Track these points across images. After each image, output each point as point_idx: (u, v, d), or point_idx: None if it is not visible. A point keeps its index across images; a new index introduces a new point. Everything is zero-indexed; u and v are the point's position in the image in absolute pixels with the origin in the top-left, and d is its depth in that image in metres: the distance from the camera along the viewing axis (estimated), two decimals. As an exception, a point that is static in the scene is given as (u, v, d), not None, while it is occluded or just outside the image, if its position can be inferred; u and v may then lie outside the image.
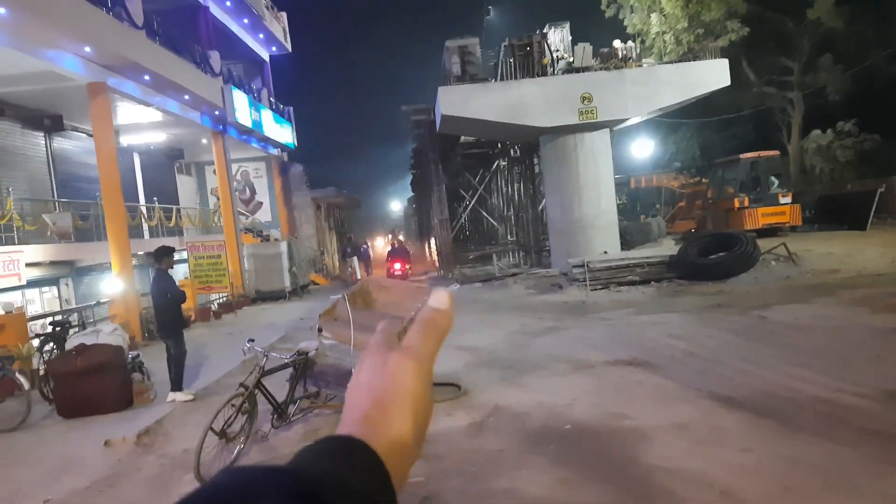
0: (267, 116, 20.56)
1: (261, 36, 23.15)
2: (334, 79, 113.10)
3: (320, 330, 6.28)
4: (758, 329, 8.01)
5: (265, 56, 24.40)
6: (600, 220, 15.69)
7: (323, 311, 6.46)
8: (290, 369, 5.86)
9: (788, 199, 18.11)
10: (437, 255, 22.92)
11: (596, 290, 13.15)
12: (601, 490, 3.97)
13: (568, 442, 4.85)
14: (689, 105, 17.63)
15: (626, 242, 17.23)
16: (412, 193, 39.21)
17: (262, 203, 23.30)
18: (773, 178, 18.80)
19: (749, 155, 19.11)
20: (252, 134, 19.66)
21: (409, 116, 19.55)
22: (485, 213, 24.57)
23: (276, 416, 5.69)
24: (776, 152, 20.18)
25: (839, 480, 3.64)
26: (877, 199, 17.45)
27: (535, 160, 19.15)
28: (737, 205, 18.07)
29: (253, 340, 5.76)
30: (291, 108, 23.85)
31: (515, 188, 21.10)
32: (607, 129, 15.71)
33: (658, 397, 5.67)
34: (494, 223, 24.03)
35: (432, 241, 25.74)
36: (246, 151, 21.22)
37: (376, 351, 0.56)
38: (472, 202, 23.54)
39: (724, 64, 15.44)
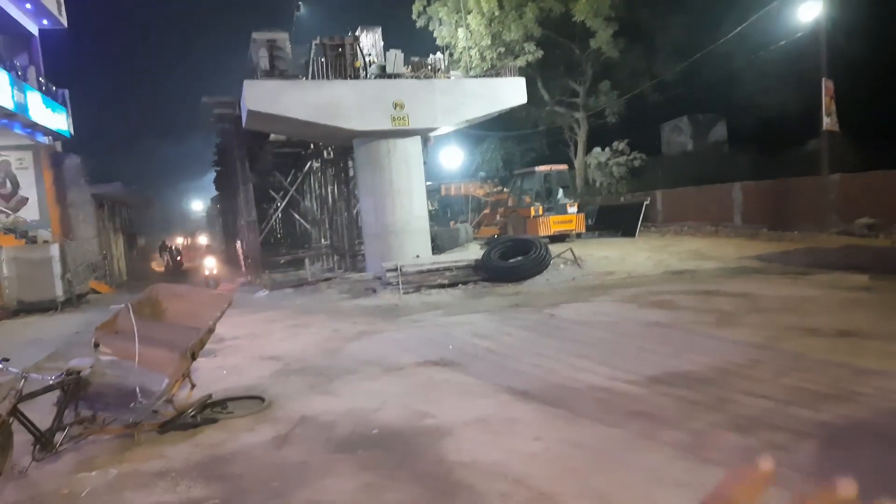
0: (35, 99, 17.70)
1: (28, 6, 19.86)
2: (123, 62, 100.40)
3: (97, 345, 5.51)
4: (548, 326, 8.79)
5: (34, 29, 21.00)
6: (413, 224, 16.08)
7: (101, 324, 5.70)
8: (59, 392, 5.04)
9: (575, 209, 20.31)
10: (245, 259, 21.67)
11: (408, 293, 13.43)
12: (406, 490, 4.00)
13: (375, 446, 4.83)
14: (493, 119, 18.89)
15: (437, 247, 17.90)
16: (216, 192, 36.66)
17: (27, 199, 19.93)
18: (561, 190, 20.94)
19: (543, 168, 21.04)
20: (14, 118, 16.77)
21: (212, 109, 18.21)
22: (297, 216, 23.82)
23: (38, 446, 4.85)
24: (565, 166, 22.52)
25: (612, 458, 4.09)
26: (643, 210, 20.33)
27: (350, 162, 19.05)
28: (532, 213, 19.78)
29: (7, 360, 4.86)
30: (67, 92, 20.82)
31: (329, 190, 20.76)
32: (419, 137, 16.17)
33: (462, 394, 5.92)
34: (307, 226, 23.40)
35: (239, 244, 24.29)
36: (7, 138, 18.04)
37: None
38: (283, 204, 22.67)
39: (521, 82, 16.78)
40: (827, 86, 15.83)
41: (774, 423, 4.39)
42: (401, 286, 13.57)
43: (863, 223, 14.89)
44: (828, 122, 15.91)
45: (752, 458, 0.50)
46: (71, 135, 21.07)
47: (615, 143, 25.60)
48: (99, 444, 5.29)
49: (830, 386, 5.10)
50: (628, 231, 19.98)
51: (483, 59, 22.96)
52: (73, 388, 5.06)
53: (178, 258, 34.41)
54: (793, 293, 9.36)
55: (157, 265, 36.84)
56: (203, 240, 47.13)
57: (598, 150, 26.18)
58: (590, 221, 21.48)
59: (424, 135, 16.67)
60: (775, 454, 3.83)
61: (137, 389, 5.19)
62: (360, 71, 15.56)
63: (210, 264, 20.48)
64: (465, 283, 13.93)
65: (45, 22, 21.31)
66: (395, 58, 15.87)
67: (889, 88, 17.71)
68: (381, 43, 16.94)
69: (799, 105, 18.70)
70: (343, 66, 15.30)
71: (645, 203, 20.70)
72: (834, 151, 16.35)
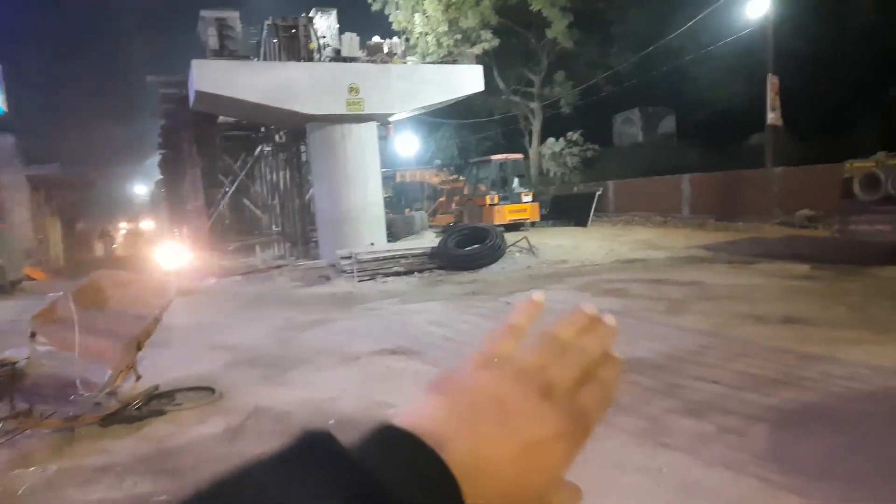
0: (-37, 72, 16.57)
1: (-46, -29, 18.55)
2: (62, 37, 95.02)
3: (34, 334, 5.20)
4: (504, 313, 8.79)
5: (-39, -3, 19.65)
6: (368, 212, 15.87)
7: (38, 312, 5.37)
8: (-10, 385, 4.73)
9: (529, 198, 20.47)
10: (192, 245, 20.97)
11: (363, 281, 13.25)
12: (365, 482, 3.92)
13: (332, 437, 4.73)
14: (449, 106, 18.78)
15: (392, 234, 17.75)
16: (160, 176, 35.33)
17: (-46, 180, 18.72)
18: (516, 179, 21.07)
19: (499, 157, 21.12)
20: (-60, 92, 15.67)
21: (157, 89, 17.44)
22: (247, 202, 23.16)
23: (-33, 444, 4.54)
24: (520, 155, 22.65)
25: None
26: (596, 200, 20.66)
27: (302, 147, 18.61)
28: (488, 201, 19.84)
29: (-69, 352, 4.52)
30: (0, 67, 19.61)
31: (281, 176, 20.25)
32: (374, 123, 15.92)
33: (420, 382, 5.84)
34: (258, 212, 22.80)
35: (185, 229, 23.49)
36: (-69, 114, 16.85)
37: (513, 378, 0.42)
38: (233, 189, 22.00)
39: (478, 70, 16.72)
40: (772, 82, 16.39)
41: (726, 408, 4.50)
42: (355, 274, 13.38)
43: (803, 215, 15.54)
44: (772, 117, 16.50)
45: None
46: (5, 112, 19.87)
47: (569, 134, 25.90)
48: (36, 438, 4.99)
49: (778, 371, 5.28)
50: (581, 220, 20.28)
51: (440, 45, 22.78)
52: (8, 380, 4.76)
53: (113, 246, 33.85)
54: (739, 282, 9.67)
55: (98, 251, 35.70)
56: (147, 224, 45.42)
57: (552, 140, 26.44)
58: (544, 210, 21.71)
59: (380, 120, 16.43)
60: (729, 438, 3.94)
61: (78, 381, 4.92)
62: (315, 54, 15.17)
63: (173, 257, 16.17)
64: (420, 270, 13.85)
65: (-28, -9, 19.93)
66: (351, 41, 15.55)
67: (828, 84, 18.48)
68: (337, 26, 16.54)
69: (745, 100, 19.32)
70: (296, 47, 14.88)
71: (597, 193, 21.04)
72: (777, 145, 16.98)
